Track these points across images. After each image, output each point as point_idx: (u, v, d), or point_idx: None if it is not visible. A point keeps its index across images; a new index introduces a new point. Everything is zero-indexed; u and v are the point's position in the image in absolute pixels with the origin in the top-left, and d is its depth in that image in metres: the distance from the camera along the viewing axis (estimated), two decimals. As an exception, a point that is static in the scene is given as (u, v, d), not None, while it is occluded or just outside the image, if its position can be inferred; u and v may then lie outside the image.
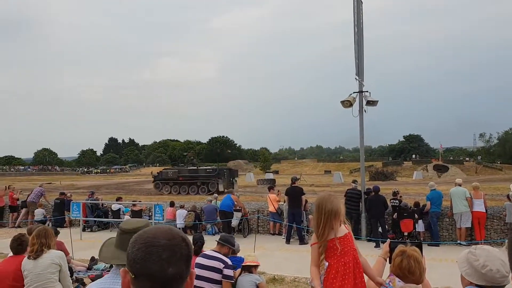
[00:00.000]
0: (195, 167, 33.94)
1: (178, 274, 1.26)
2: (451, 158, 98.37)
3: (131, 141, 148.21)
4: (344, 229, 3.54)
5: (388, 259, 3.35)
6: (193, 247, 1.36)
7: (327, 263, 3.45)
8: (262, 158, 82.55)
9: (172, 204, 15.58)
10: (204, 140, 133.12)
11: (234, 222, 13.72)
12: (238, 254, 6.56)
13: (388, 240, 3.50)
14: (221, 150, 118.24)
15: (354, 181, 14.29)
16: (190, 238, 5.71)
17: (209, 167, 34.94)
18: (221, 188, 30.13)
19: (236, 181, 34.00)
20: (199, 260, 5.41)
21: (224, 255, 5.61)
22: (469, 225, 11.81)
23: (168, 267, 1.24)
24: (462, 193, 11.92)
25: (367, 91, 13.12)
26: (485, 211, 11.84)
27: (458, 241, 11.85)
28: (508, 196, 11.90)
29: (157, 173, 34.06)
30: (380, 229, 12.30)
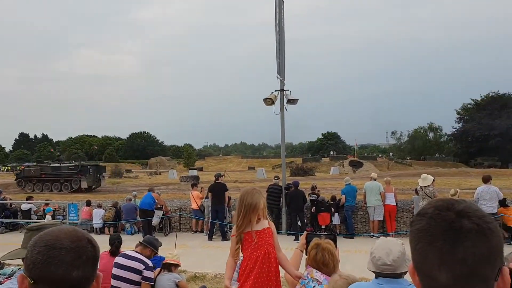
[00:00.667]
0: (58, 164, 33.05)
1: (83, 278, 1.19)
2: (365, 154, 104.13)
3: (44, 137, 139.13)
4: (265, 223, 3.61)
5: (304, 251, 3.46)
6: (99, 249, 1.30)
7: (242, 255, 3.53)
8: (185, 155, 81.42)
9: (88, 203, 14.88)
10: (124, 135, 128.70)
11: (155, 220, 13.40)
12: (159, 253, 6.42)
13: (305, 233, 3.61)
14: (142, 146, 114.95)
15: (276, 177, 14.60)
16: (107, 238, 5.47)
17: (72, 164, 34.13)
18: (84, 185, 29.98)
19: (104, 177, 33.99)
20: (118, 259, 5.22)
21: (146, 257, 5.46)
22: (382, 218, 12.57)
23: (72, 271, 1.17)
24: (376, 187, 12.63)
25: (287, 90, 13.46)
26: (395, 204, 12.67)
27: (371, 233, 12.57)
28: (416, 190, 12.81)
29: (20, 170, 33.03)
30: (299, 223, 12.69)
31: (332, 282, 3.01)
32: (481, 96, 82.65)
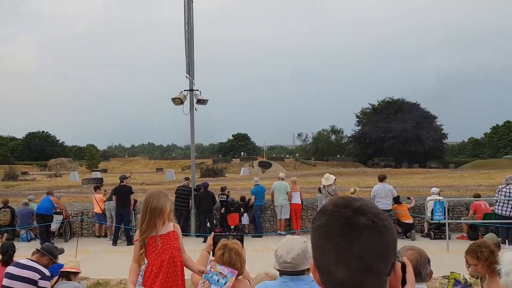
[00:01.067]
0: None
1: None
2: (274, 155, 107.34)
3: None
4: (170, 227, 3.53)
5: (211, 252, 3.43)
6: None
7: (146, 261, 3.42)
8: (88, 156, 77.27)
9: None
10: (20, 135, 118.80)
11: (54, 226, 12.48)
12: (58, 261, 5.98)
13: (212, 234, 3.58)
14: (40, 146, 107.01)
15: (186, 178, 14.41)
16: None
17: None
18: None
19: None
20: (10, 269, 4.78)
21: (43, 266, 5.05)
22: (288, 216, 12.97)
23: None
24: (283, 187, 12.98)
25: (197, 90, 13.36)
26: (301, 203, 13.15)
27: (278, 232, 12.91)
28: (319, 189, 13.40)
29: None
30: (208, 224, 12.64)
31: (258, 278, 3.04)
32: (378, 101, 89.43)
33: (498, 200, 10.73)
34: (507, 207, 10.48)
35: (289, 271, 2.50)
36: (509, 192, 10.46)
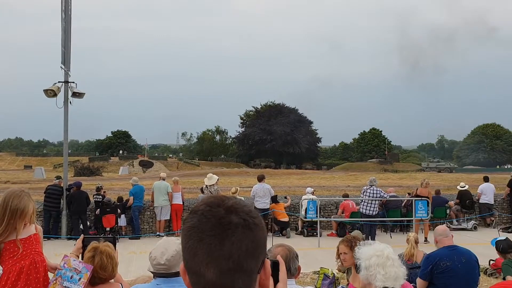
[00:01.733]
0: None
1: None
2: (156, 154, 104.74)
3: None
4: (31, 229, 3.22)
5: (80, 256, 3.21)
6: None
7: (1, 268, 3.06)
8: None
9: None
10: None
11: None
12: None
13: (82, 236, 3.37)
14: None
15: (57, 177, 13.43)
16: None
17: None
18: None
19: None
20: None
21: None
22: (168, 217, 12.73)
23: None
24: (164, 187, 12.71)
25: (73, 82, 12.51)
26: (182, 203, 13.01)
27: (158, 233, 12.60)
28: (201, 189, 13.39)
29: None
30: (81, 226, 11.89)
31: (139, 280, 2.93)
32: (261, 104, 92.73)
33: (363, 200, 11.76)
34: (370, 206, 11.53)
35: (163, 273, 2.44)
36: (372, 193, 11.53)
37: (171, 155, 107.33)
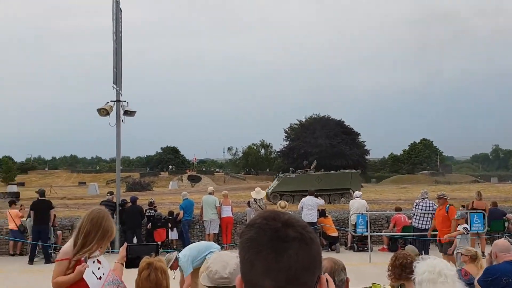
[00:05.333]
0: None
1: None
2: (203, 169, 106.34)
3: None
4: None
5: (124, 264, 3.30)
6: None
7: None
8: (4, 168, 71.97)
9: None
10: None
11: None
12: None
13: (125, 244, 3.42)
14: None
15: (110, 193, 13.88)
16: None
17: None
18: None
19: None
20: None
21: None
22: (217, 231, 12.86)
23: None
24: (212, 201, 12.87)
25: (125, 101, 12.99)
26: (232, 216, 13.10)
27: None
28: (248, 203, 13.47)
29: None
30: (135, 240, 12.21)
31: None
32: (305, 117, 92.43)
33: (415, 214, 11.40)
34: (423, 220, 11.15)
35: (224, 287, 2.47)
36: (425, 206, 11.16)
37: (218, 170, 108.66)
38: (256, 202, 12.39)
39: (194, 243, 7.12)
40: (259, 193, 12.47)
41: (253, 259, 0.99)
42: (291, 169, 36.11)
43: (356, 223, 11.92)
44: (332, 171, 32.95)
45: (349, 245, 12.75)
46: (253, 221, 1.05)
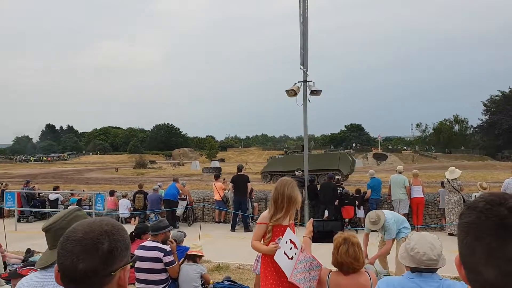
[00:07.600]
0: None
1: (90, 271, 1.16)
2: (389, 147, 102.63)
3: (70, 128, 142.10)
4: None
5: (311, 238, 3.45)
6: (124, 241, 1.25)
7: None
8: (208, 146, 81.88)
9: (112, 193, 15.12)
10: (149, 127, 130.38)
11: (179, 211, 13.56)
12: (183, 243, 6.48)
13: (311, 220, 3.58)
14: (165, 137, 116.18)
15: (298, 169, 14.53)
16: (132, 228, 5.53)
17: None
18: None
19: None
20: (137, 252, 5.30)
21: (162, 242, 5.51)
22: (406, 211, 12.36)
23: (78, 263, 1.15)
24: (401, 181, 12.39)
25: (311, 81, 13.32)
26: (423, 196, 12.44)
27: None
28: (442, 183, 12.56)
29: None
30: (326, 215, 12.60)
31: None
32: (510, 88, 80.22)
33: None
34: None
35: (431, 268, 2.45)
36: None
37: (405, 147, 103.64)
38: (450, 183, 11.47)
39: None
40: (453, 173, 11.50)
41: (473, 244, 0.96)
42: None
43: None
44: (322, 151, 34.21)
45: None
46: (475, 204, 1.00)
